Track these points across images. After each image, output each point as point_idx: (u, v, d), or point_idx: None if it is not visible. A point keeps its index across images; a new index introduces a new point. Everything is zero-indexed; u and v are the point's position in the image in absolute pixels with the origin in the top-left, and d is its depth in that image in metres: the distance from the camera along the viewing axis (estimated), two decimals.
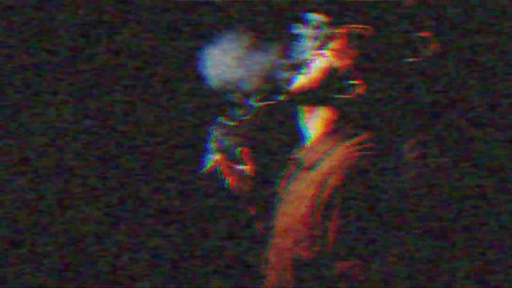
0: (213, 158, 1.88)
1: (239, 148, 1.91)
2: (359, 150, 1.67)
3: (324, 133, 1.78)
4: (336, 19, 1.82)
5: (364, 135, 1.72)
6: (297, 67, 1.81)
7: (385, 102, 1.76)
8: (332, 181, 1.64)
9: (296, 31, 1.84)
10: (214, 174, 1.89)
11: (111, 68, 2.83)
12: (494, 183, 2.48)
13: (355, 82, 1.75)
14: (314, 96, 1.78)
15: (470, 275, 2.39)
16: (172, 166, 2.85)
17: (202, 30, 2.75)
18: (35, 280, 2.79)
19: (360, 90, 1.75)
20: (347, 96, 1.76)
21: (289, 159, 1.86)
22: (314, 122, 1.80)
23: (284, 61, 1.83)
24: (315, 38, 1.81)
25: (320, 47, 1.80)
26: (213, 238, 2.85)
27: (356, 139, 1.71)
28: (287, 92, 1.80)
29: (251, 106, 1.86)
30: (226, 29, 1.86)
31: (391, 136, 1.76)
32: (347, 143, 1.71)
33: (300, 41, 1.83)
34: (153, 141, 2.85)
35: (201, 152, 1.90)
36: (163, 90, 2.85)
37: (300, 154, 1.82)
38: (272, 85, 1.83)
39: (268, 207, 1.87)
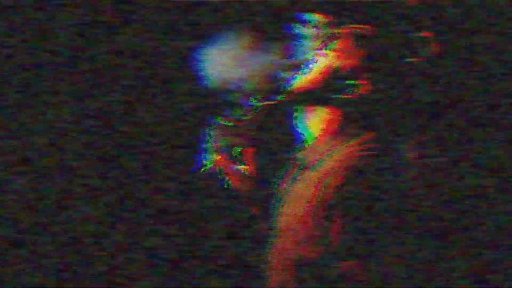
0: (213, 158, 1.88)
1: (239, 148, 1.91)
2: (359, 150, 1.67)
3: (324, 133, 1.78)
4: (336, 19, 1.82)
5: (365, 135, 1.72)
6: (297, 67, 1.81)
7: (385, 102, 1.76)
8: (332, 181, 1.64)
9: (296, 31, 1.83)
10: (214, 174, 1.89)
11: (111, 68, 2.83)
12: (494, 183, 2.48)
13: (356, 82, 1.75)
14: (314, 96, 1.78)
15: (470, 275, 2.39)
16: (172, 166, 2.84)
17: (201, 30, 2.74)
18: (35, 280, 2.78)
19: (361, 90, 1.75)
20: (347, 96, 1.76)
21: (289, 159, 1.86)
22: (314, 122, 1.80)
23: (284, 61, 1.83)
24: (316, 38, 1.81)
25: (321, 47, 1.80)
26: (213, 238, 2.85)
27: (356, 139, 1.71)
28: (287, 92, 1.80)
29: (251, 106, 1.86)
30: (226, 29, 1.86)
31: (391, 136, 1.75)
32: (348, 143, 1.71)
33: (300, 41, 1.83)
34: (153, 141, 2.85)
35: (201, 152, 1.90)
36: (163, 90, 2.85)
37: (300, 154, 1.82)
38: (272, 85, 1.83)
39: (268, 207, 1.87)
